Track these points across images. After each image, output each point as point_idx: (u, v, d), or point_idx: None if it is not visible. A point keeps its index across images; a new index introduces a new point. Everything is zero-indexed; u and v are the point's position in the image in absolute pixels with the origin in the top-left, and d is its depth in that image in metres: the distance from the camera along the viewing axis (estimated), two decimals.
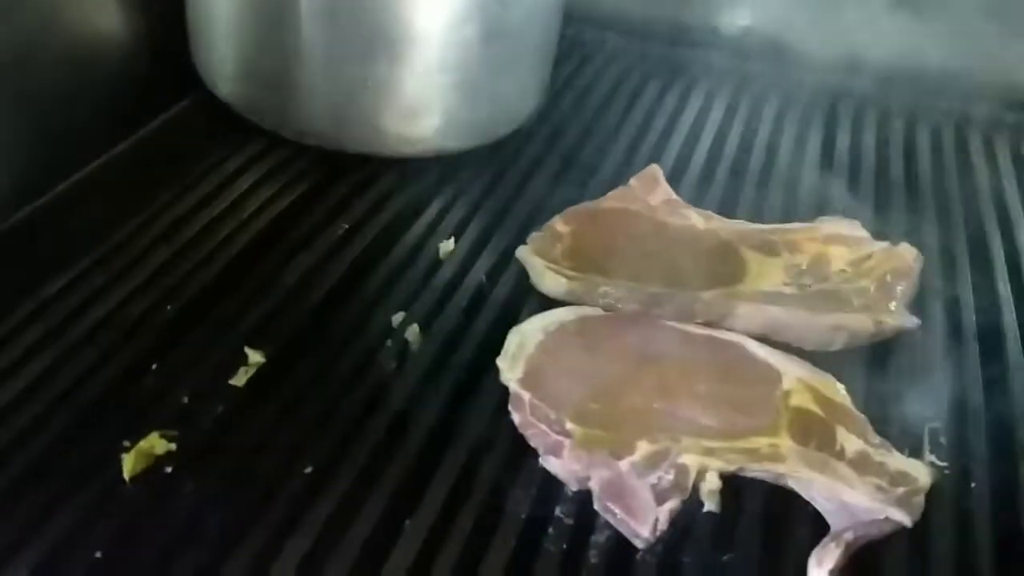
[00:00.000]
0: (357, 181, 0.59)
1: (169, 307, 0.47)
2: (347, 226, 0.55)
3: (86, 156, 0.57)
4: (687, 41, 0.79)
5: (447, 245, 0.54)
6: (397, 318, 0.48)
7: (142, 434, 0.40)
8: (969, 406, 0.45)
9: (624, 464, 0.39)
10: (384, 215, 0.56)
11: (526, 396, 0.42)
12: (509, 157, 0.63)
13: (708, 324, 0.47)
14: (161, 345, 0.45)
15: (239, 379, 0.44)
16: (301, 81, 0.58)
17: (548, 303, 0.49)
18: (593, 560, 0.37)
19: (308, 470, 0.39)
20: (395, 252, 0.53)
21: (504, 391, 0.43)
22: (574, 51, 0.79)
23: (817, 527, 0.39)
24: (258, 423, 0.42)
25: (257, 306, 0.48)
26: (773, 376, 0.45)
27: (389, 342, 0.46)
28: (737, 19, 0.78)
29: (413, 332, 0.47)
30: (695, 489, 0.39)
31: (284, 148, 0.61)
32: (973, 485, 0.41)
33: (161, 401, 0.42)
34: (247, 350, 0.45)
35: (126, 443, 0.40)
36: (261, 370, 0.44)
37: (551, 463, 0.40)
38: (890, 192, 0.62)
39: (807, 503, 0.40)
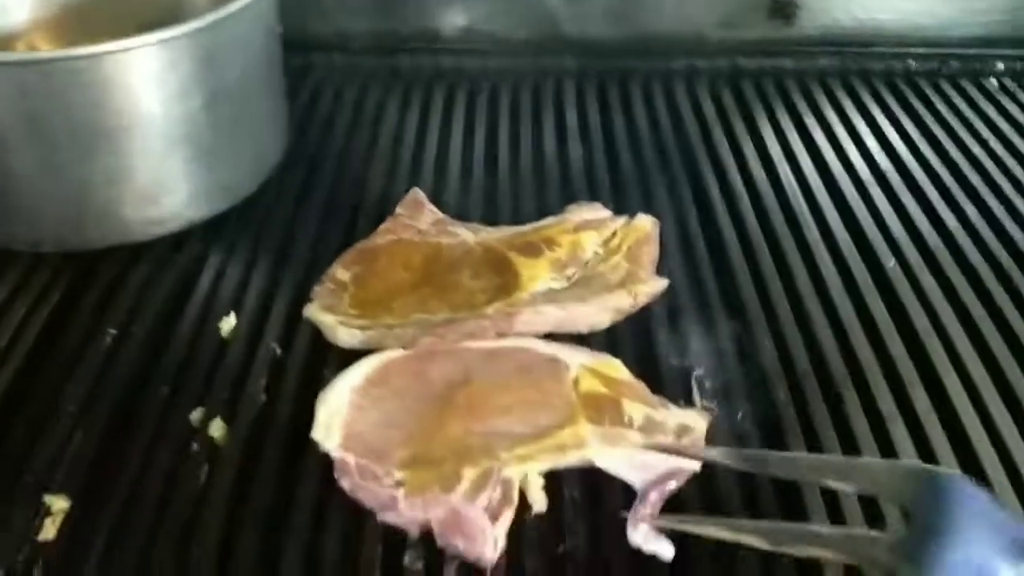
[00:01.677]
0: (111, 278, 0.56)
1: None
2: (114, 331, 0.52)
3: None
4: (414, 50, 0.81)
5: (228, 322, 0.53)
6: (195, 416, 0.47)
7: None
8: (721, 348, 0.51)
9: (455, 496, 0.42)
10: (150, 308, 0.54)
11: (351, 460, 0.43)
12: (266, 211, 0.62)
13: (499, 336, 0.50)
14: None
15: (48, 532, 0.41)
16: (24, 193, 0.53)
17: (348, 355, 0.50)
18: None
19: None
20: (174, 344, 0.51)
21: (327, 460, 0.44)
22: (306, 80, 0.78)
23: (630, 493, 0.43)
24: (82, 572, 0.40)
25: (42, 445, 0.45)
26: (562, 369, 0.49)
27: (195, 445, 0.45)
28: (455, 20, 0.80)
29: (217, 427, 0.46)
30: (521, 496, 0.42)
31: (20, 262, 0.56)
32: (739, 415, 0.47)
33: None
34: (46, 498, 0.42)
35: None
36: (69, 515, 0.42)
37: (389, 516, 0.42)
38: (620, 162, 0.68)
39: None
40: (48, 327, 0.52)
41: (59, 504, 0.42)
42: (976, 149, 0.70)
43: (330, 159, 0.68)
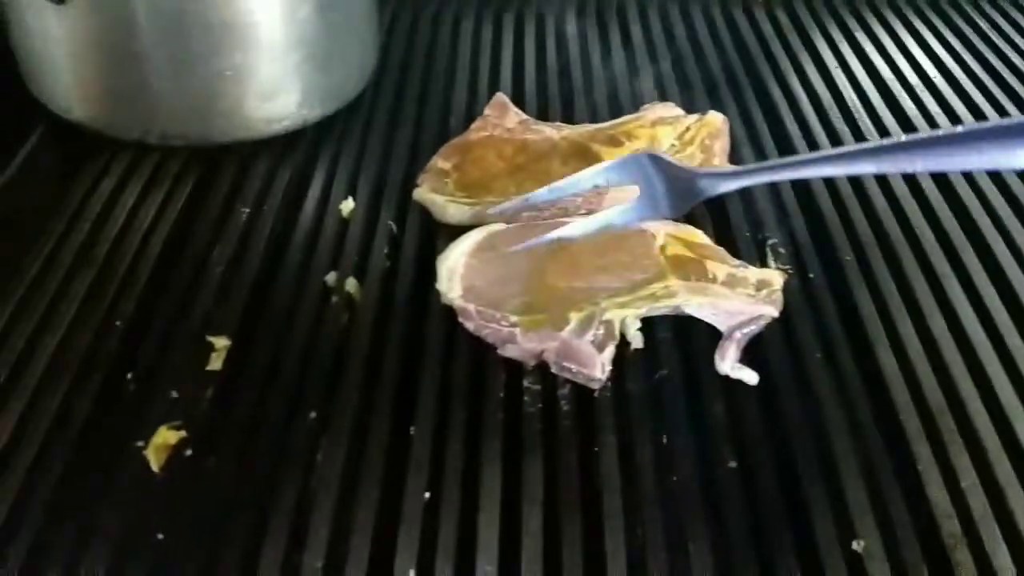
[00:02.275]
0: (236, 169, 0.62)
1: (118, 323, 0.50)
2: (246, 210, 0.58)
3: None
4: None
5: (347, 204, 0.59)
6: (330, 278, 0.53)
7: (150, 433, 0.44)
8: (791, 219, 0.57)
9: (565, 333, 0.48)
10: (276, 192, 0.60)
11: (471, 307, 0.50)
12: (368, 114, 0.68)
13: (589, 212, 0.56)
14: (125, 356, 0.48)
15: (215, 363, 0.48)
16: (155, 87, 0.60)
17: (455, 231, 0.56)
18: (565, 407, 0.46)
19: (312, 415, 0.45)
20: (301, 222, 0.58)
21: (449, 310, 0.50)
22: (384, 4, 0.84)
23: (715, 336, 0.49)
24: (248, 393, 0.46)
25: (197, 301, 0.52)
26: (648, 237, 0.55)
27: (334, 298, 0.52)
28: None
29: (353, 285, 0.53)
30: (622, 336, 0.49)
31: (152, 155, 0.62)
32: (811, 276, 0.53)
33: (151, 401, 0.46)
34: (209, 338, 0.49)
35: (139, 443, 0.44)
36: (231, 352, 0.49)
37: (509, 350, 0.48)
38: (685, 70, 0.74)
39: (701, 320, 0.50)
40: (188, 205, 0.59)
41: (221, 342, 0.49)
42: (1017, 59, 0.75)
43: (416, 67, 0.74)
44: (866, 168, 0.42)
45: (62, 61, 0.60)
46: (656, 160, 0.49)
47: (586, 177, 0.51)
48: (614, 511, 0.41)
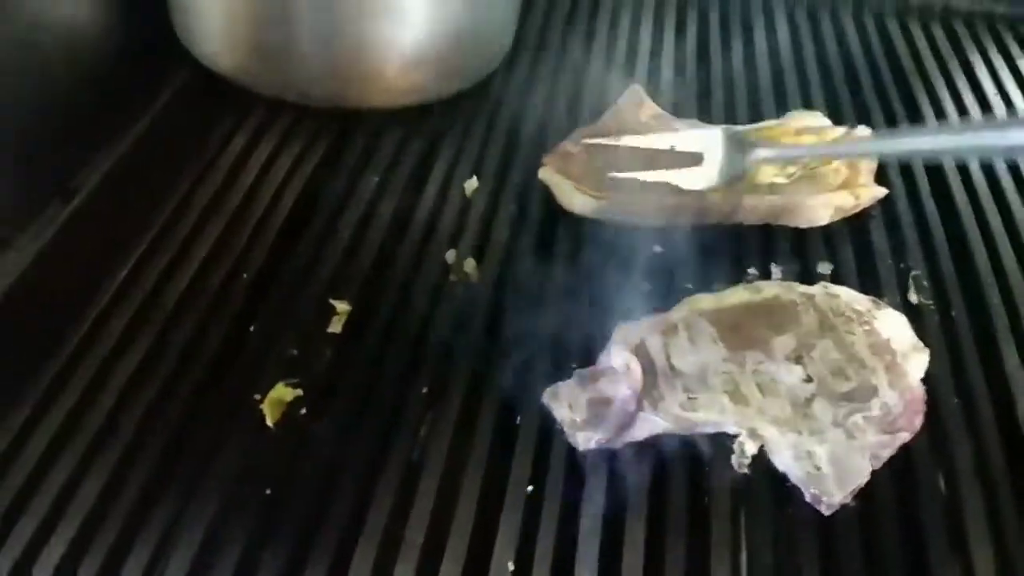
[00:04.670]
0: (369, 135, 0.62)
1: (244, 274, 0.51)
2: (376, 178, 0.59)
3: (100, 153, 0.58)
4: None
5: (471, 183, 0.59)
6: (450, 255, 0.53)
7: (267, 387, 0.45)
8: (938, 252, 0.54)
9: None
10: (405, 163, 0.60)
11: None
12: (498, 94, 0.67)
13: (723, 217, 0.55)
14: (249, 309, 0.49)
15: (335, 326, 0.49)
16: (302, 46, 0.60)
17: (577, 220, 0.55)
18: None
19: (424, 390, 0.45)
20: (426, 196, 0.58)
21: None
22: None
23: None
24: (364, 359, 0.47)
25: (322, 261, 0.53)
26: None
27: (452, 277, 0.52)
28: None
29: (470, 265, 0.52)
30: None
31: (288, 113, 0.63)
32: (953, 313, 0.51)
33: (271, 356, 0.47)
34: (331, 301, 0.50)
35: (256, 396, 0.45)
36: (351, 316, 0.49)
37: None
38: (832, 78, 0.71)
39: None
40: (319, 167, 0.59)
41: (342, 307, 0.50)
42: None
43: (551, 50, 0.73)
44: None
45: (214, 10, 0.61)
46: (729, 135, 0.54)
47: (667, 139, 0.56)
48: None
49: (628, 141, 0.58)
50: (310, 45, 0.60)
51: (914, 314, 0.50)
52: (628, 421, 0.42)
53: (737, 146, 0.54)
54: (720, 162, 0.54)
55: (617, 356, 0.44)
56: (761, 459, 0.42)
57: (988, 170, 0.61)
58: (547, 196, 0.57)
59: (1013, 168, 0.61)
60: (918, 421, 0.42)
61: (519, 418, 0.45)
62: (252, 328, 0.48)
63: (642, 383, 0.43)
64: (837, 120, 0.62)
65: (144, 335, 0.47)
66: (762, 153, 0.53)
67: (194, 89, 0.65)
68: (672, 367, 0.45)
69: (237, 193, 0.57)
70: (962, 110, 0.67)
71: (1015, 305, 0.51)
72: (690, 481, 0.42)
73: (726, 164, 0.54)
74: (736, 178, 0.54)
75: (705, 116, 0.65)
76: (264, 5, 0.59)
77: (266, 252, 0.53)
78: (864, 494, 0.41)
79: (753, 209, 0.55)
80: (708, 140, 0.55)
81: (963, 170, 0.61)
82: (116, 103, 0.61)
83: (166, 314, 0.49)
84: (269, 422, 0.43)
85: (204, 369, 0.46)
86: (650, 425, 0.43)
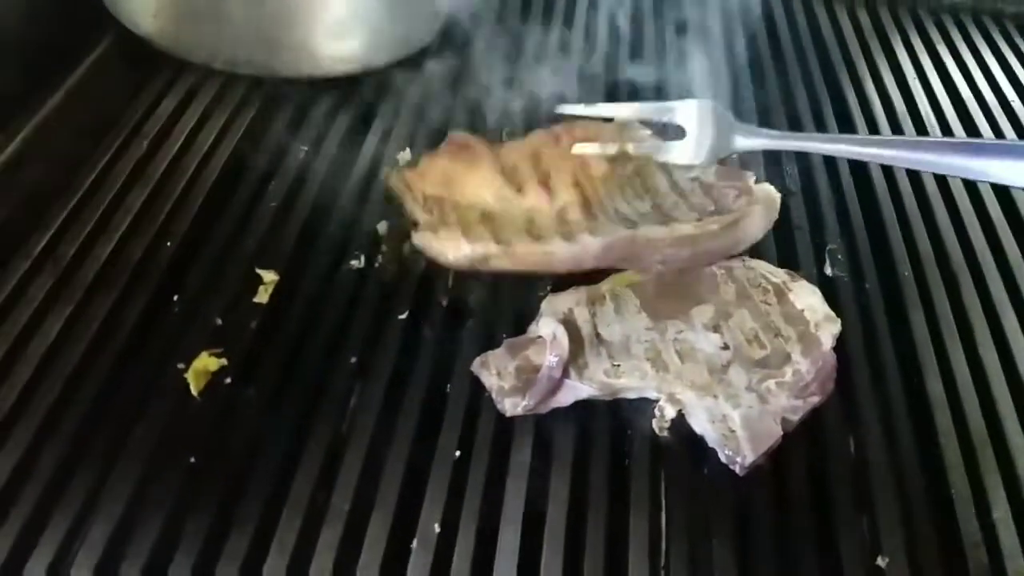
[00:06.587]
0: (298, 104, 0.62)
1: (168, 243, 0.50)
2: (305, 148, 0.58)
3: (19, 118, 0.56)
4: None
5: (404, 155, 0.58)
6: (382, 227, 0.53)
7: (191, 356, 0.44)
8: (854, 228, 0.56)
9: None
10: (335, 133, 0.60)
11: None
12: (432, 67, 0.67)
13: None
14: (173, 278, 0.49)
15: (262, 296, 0.48)
16: (230, 12, 0.59)
17: None
18: None
19: (352, 360, 0.45)
20: (358, 166, 0.57)
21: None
22: None
23: None
24: (292, 329, 0.47)
25: (249, 231, 0.52)
26: None
27: (384, 248, 0.52)
28: None
29: (402, 236, 0.52)
30: None
31: (216, 79, 0.62)
32: (866, 285, 0.53)
33: (196, 325, 0.46)
34: (258, 271, 0.49)
35: (180, 366, 0.44)
36: (278, 286, 0.49)
37: None
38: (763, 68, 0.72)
39: None
40: (247, 135, 0.59)
41: (269, 276, 0.49)
42: None
43: (486, 24, 0.72)
44: (887, 156, 0.50)
45: None
46: (716, 110, 0.52)
47: (649, 109, 0.54)
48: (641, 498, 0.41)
49: (605, 110, 0.55)
50: (238, 9, 0.59)
51: (830, 286, 0.51)
52: (554, 388, 0.43)
53: (726, 124, 0.51)
54: (710, 137, 0.51)
55: (545, 326, 0.45)
56: (680, 423, 0.43)
57: None
58: None
59: None
60: (829, 386, 0.44)
61: (448, 387, 0.45)
62: (176, 297, 0.48)
63: (568, 351, 0.44)
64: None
65: (63, 303, 0.46)
66: (745, 142, 0.51)
67: (119, 55, 0.64)
68: (598, 336, 0.46)
69: (161, 161, 0.56)
70: (883, 94, 0.69)
71: (924, 278, 0.53)
72: (613, 444, 0.43)
73: (715, 141, 0.51)
74: (720, 157, 0.51)
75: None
76: None
77: (190, 221, 0.52)
78: (777, 455, 0.42)
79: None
80: (696, 112, 0.52)
81: None
82: (35, 69, 0.60)
83: (86, 283, 0.47)
84: (193, 391, 0.43)
85: (126, 338, 0.45)
86: (575, 391, 0.43)
